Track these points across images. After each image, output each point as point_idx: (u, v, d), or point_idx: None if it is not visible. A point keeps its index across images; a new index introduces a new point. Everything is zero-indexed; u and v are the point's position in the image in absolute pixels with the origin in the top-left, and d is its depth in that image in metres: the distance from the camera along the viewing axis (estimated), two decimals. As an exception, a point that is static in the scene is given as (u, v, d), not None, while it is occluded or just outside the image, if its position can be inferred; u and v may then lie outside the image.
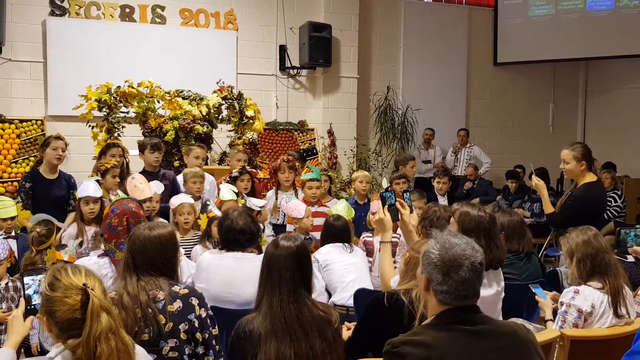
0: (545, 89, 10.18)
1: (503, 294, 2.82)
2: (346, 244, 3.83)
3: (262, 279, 2.34)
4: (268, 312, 2.23)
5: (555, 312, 2.97)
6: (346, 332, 2.54)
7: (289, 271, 2.28)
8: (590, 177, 4.07)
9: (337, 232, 3.85)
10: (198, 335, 2.35)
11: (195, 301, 2.38)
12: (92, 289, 1.72)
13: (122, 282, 2.35)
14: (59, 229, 3.82)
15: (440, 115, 9.15)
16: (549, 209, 4.18)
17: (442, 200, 6.04)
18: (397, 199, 3.16)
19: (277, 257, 2.32)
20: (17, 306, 3.29)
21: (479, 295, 1.85)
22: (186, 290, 2.39)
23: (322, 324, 2.26)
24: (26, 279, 2.29)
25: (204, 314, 2.39)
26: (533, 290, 3.15)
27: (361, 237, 4.28)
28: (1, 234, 3.48)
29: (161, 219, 4.07)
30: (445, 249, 1.80)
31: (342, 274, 3.67)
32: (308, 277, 2.37)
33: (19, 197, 4.48)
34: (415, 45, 9.18)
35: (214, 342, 2.39)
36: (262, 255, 2.49)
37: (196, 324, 2.34)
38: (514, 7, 9.75)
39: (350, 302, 3.53)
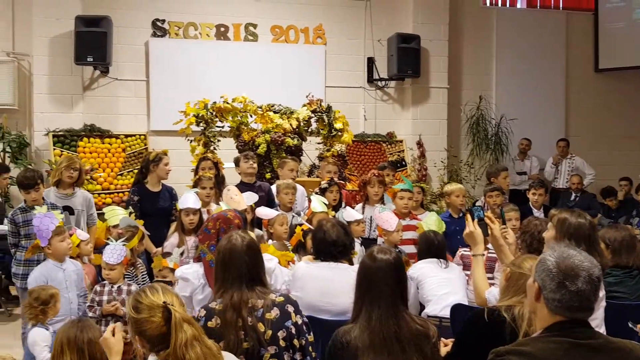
0: (652, 96, 9.45)
1: (604, 303, 2.65)
2: (441, 260, 3.80)
3: (361, 292, 2.32)
4: (366, 326, 2.21)
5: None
6: (444, 349, 2.46)
7: (388, 286, 2.26)
8: None
9: (436, 248, 3.84)
10: (295, 341, 2.38)
11: (290, 308, 2.42)
12: (171, 305, 1.85)
13: (221, 295, 2.40)
14: (143, 235, 4.04)
15: (537, 125, 8.73)
16: (662, 223, 3.84)
17: (538, 213, 5.75)
18: (485, 213, 3.05)
19: (375, 270, 2.30)
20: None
21: (593, 311, 1.74)
22: (282, 298, 2.44)
23: (420, 338, 2.22)
24: None
25: (300, 321, 2.42)
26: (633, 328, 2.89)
27: (458, 252, 4.17)
28: (112, 240, 3.69)
29: (257, 230, 4.17)
30: (563, 258, 1.73)
31: (435, 287, 3.64)
32: (405, 290, 2.34)
33: (131, 209, 4.79)
34: (509, 53, 8.86)
35: (310, 348, 2.42)
36: (356, 266, 2.48)
37: (293, 331, 2.38)
38: (616, 10, 9.15)
39: (442, 313, 3.48)
